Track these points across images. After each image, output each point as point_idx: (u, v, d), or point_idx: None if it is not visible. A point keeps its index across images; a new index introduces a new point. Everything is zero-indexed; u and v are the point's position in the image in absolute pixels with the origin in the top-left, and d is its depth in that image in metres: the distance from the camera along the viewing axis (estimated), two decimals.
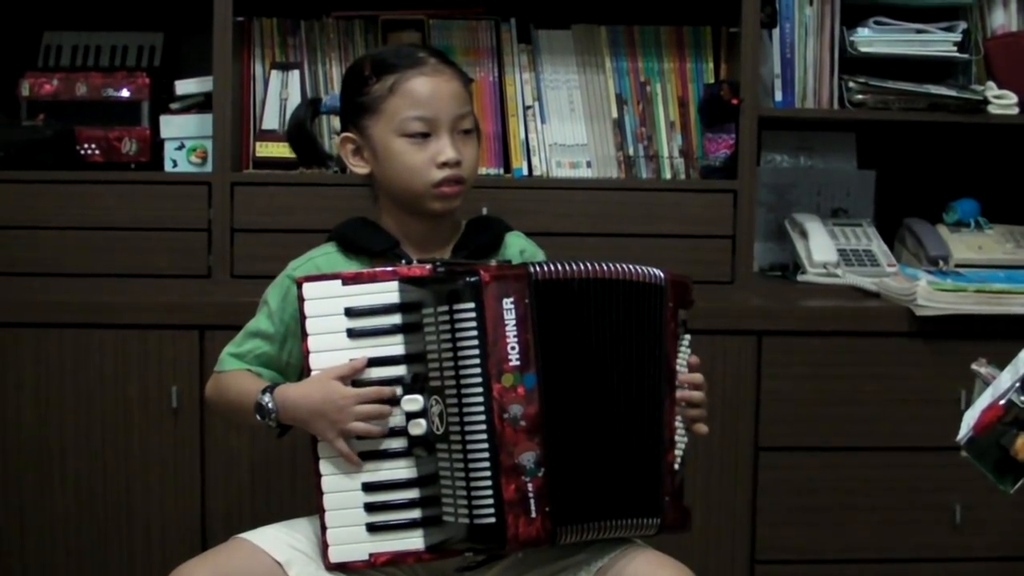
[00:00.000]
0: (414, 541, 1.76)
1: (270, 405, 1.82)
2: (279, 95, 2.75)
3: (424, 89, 1.91)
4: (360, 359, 1.77)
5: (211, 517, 2.47)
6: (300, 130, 2.09)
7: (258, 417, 1.84)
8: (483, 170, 2.76)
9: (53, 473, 2.45)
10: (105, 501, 2.46)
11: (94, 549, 2.47)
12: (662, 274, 1.83)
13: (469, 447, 1.68)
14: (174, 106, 2.77)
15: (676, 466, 1.82)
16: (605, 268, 1.78)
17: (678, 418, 1.83)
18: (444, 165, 1.91)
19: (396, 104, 1.91)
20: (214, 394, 1.98)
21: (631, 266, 1.81)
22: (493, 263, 1.80)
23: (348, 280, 1.79)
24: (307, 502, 1.83)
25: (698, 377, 1.87)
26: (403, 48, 2.01)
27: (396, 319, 1.78)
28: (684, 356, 1.86)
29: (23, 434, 2.45)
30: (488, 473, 1.67)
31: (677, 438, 1.83)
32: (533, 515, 1.68)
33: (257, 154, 2.74)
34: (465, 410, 1.69)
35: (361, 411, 1.76)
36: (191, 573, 1.74)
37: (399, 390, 1.77)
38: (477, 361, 1.68)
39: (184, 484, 2.46)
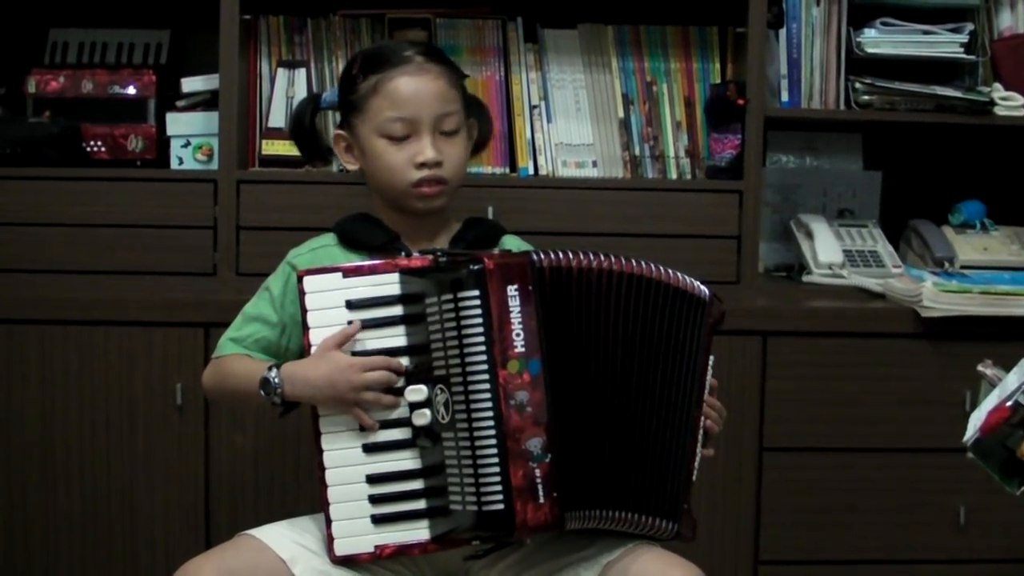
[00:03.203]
0: (420, 532, 1.76)
1: (276, 380, 1.82)
2: (285, 93, 2.75)
3: (405, 90, 1.91)
4: (354, 326, 1.78)
5: (215, 514, 2.47)
6: (300, 125, 2.09)
7: (262, 393, 1.84)
8: (488, 169, 2.76)
9: (57, 470, 2.46)
10: (109, 498, 2.46)
11: (98, 545, 2.47)
12: (706, 290, 1.85)
13: (476, 434, 1.69)
14: (180, 103, 2.77)
15: (694, 478, 1.83)
16: (623, 262, 1.78)
17: (701, 431, 1.85)
18: (423, 165, 1.91)
19: (378, 104, 1.92)
20: (213, 378, 1.98)
21: (669, 270, 1.82)
22: (495, 251, 1.81)
23: (349, 273, 1.80)
24: (311, 498, 1.83)
25: (718, 405, 1.90)
26: (392, 45, 2.01)
27: (397, 310, 1.78)
28: (710, 374, 1.88)
29: (28, 431, 2.45)
30: (496, 460, 1.68)
31: (697, 450, 1.84)
32: (541, 501, 1.68)
33: (263, 152, 2.74)
34: (471, 397, 1.69)
35: (369, 378, 1.76)
36: (198, 570, 1.74)
37: (402, 381, 1.77)
38: (483, 348, 1.69)
39: (188, 481, 2.46)
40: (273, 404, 1.85)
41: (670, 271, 1.82)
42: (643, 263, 1.80)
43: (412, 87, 1.91)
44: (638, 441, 1.78)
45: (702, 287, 1.85)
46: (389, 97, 1.91)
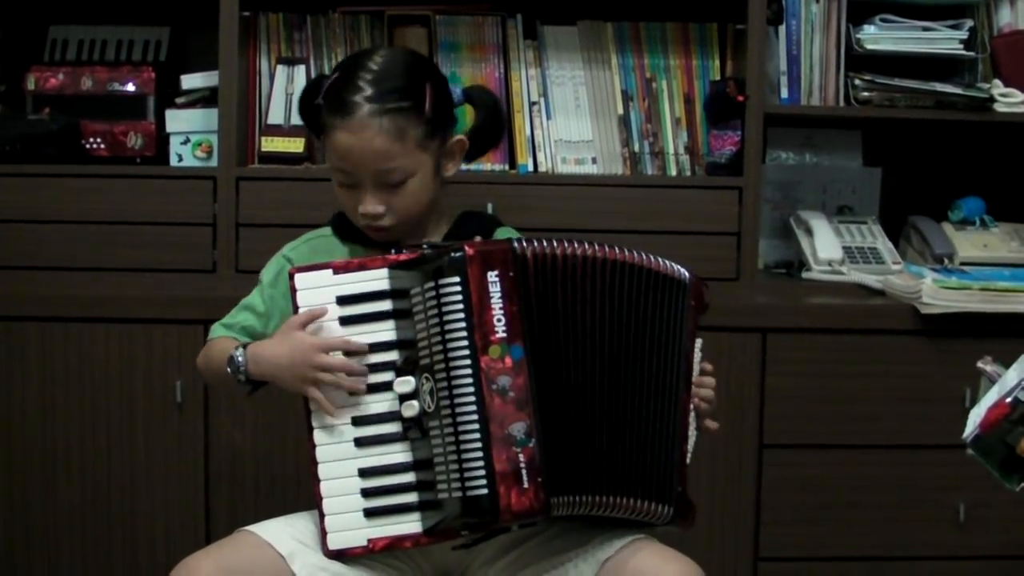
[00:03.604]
0: (412, 525, 1.76)
1: (240, 359, 1.84)
2: (285, 90, 2.75)
3: (343, 146, 1.88)
4: (319, 308, 1.78)
5: (215, 511, 2.47)
6: (304, 107, 2.04)
7: (229, 371, 1.85)
8: (488, 166, 2.76)
9: (58, 467, 2.46)
10: (109, 495, 2.46)
11: (99, 542, 2.47)
12: (686, 272, 1.85)
13: (459, 420, 1.69)
14: (180, 100, 2.77)
15: (687, 459, 1.83)
16: (606, 250, 1.79)
17: (692, 413, 1.85)
18: (365, 215, 1.92)
19: (328, 147, 1.92)
20: (202, 361, 2.00)
21: (651, 256, 1.82)
22: (477, 239, 1.82)
23: (339, 269, 1.80)
24: (310, 494, 1.82)
25: (710, 380, 1.90)
26: (352, 78, 1.90)
27: (387, 305, 1.78)
28: (698, 355, 1.87)
29: (28, 428, 2.45)
30: (479, 445, 1.67)
31: (690, 432, 1.84)
32: (526, 485, 1.67)
33: (262, 149, 2.74)
34: (454, 383, 1.69)
35: (327, 360, 1.76)
36: (197, 566, 1.74)
37: (392, 374, 1.77)
38: (464, 334, 1.69)
39: (188, 478, 2.46)
40: (239, 382, 1.86)
41: (650, 256, 1.82)
42: (624, 250, 1.80)
43: (349, 145, 1.87)
44: (625, 424, 1.78)
45: (682, 270, 1.85)
46: (333, 147, 1.90)
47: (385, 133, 1.87)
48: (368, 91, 1.87)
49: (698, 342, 1.87)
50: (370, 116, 1.86)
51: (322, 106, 1.92)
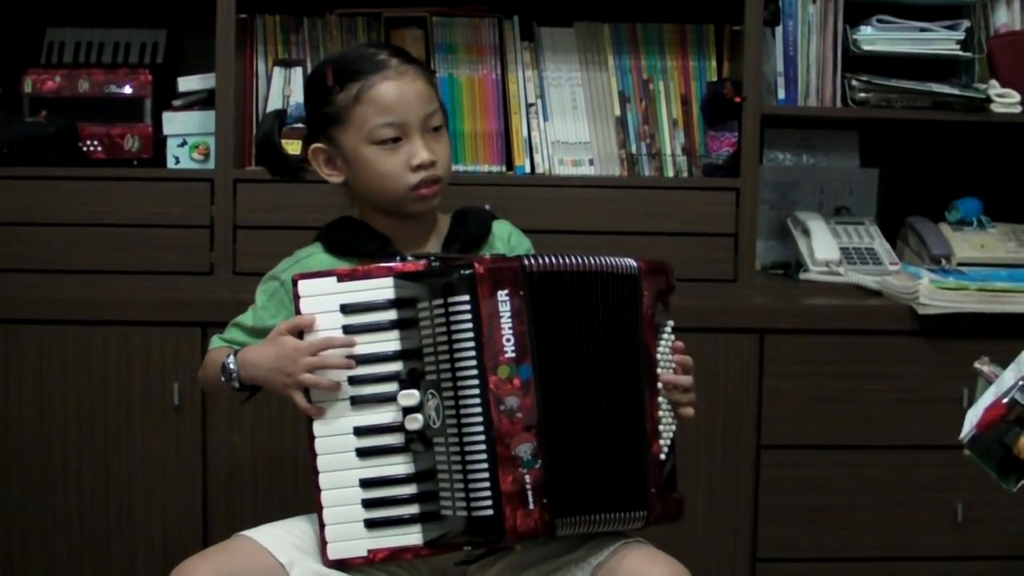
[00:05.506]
0: (412, 536, 1.76)
1: (232, 366, 1.86)
2: (282, 92, 2.75)
3: (390, 94, 1.90)
4: (309, 317, 1.78)
5: (213, 514, 2.47)
6: (267, 144, 2.06)
7: (223, 379, 1.87)
8: (485, 167, 2.76)
9: (55, 470, 2.46)
10: (107, 498, 2.46)
11: (96, 546, 2.47)
12: (635, 263, 1.83)
13: (466, 440, 1.69)
14: (177, 103, 2.77)
15: (662, 456, 1.82)
16: (587, 261, 1.79)
17: (664, 406, 1.83)
18: (419, 167, 1.91)
19: (363, 112, 1.90)
20: (200, 373, 2.02)
21: (606, 257, 1.82)
22: (487, 256, 1.81)
23: (343, 277, 1.79)
24: (309, 498, 1.83)
25: (688, 360, 1.88)
26: (363, 51, 1.98)
27: (392, 315, 1.78)
28: (667, 343, 1.86)
29: (25, 431, 2.45)
30: (485, 465, 1.68)
31: (662, 428, 1.83)
32: (531, 507, 1.69)
33: None
34: (461, 403, 1.69)
35: (310, 362, 1.77)
36: (194, 570, 1.74)
37: (395, 385, 1.77)
38: (473, 354, 1.69)
39: (186, 481, 2.46)
40: (233, 389, 1.87)
41: (608, 259, 1.81)
42: (605, 259, 1.80)
43: (396, 91, 1.90)
44: (606, 437, 1.78)
45: (631, 263, 1.82)
46: (374, 104, 1.90)
47: (422, 77, 1.94)
48: (388, 50, 1.96)
49: (669, 324, 1.86)
50: (402, 64, 1.93)
51: (333, 88, 1.92)
